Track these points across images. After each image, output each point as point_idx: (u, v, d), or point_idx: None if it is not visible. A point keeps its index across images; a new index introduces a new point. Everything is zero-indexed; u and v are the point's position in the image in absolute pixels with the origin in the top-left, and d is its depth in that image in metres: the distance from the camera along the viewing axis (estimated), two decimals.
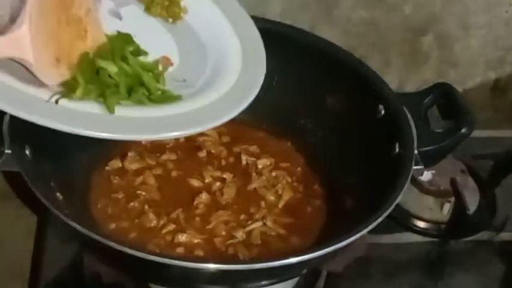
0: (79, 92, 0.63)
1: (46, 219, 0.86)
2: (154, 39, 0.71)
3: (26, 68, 0.61)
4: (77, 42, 0.64)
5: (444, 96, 0.85)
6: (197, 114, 0.66)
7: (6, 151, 0.70)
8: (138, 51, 0.68)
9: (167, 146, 0.88)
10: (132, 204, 0.81)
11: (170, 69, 0.70)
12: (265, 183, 0.85)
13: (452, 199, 0.92)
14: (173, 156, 0.87)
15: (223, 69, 0.73)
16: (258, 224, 0.80)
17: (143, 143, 0.88)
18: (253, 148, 0.89)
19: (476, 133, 0.82)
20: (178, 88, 0.68)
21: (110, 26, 0.69)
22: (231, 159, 0.88)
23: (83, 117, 0.62)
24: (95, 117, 0.62)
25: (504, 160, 0.99)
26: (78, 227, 0.66)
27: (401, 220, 0.93)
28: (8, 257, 0.86)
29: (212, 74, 0.72)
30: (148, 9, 0.74)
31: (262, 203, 0.83)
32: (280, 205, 0.83)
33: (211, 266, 0.66)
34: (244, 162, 0.87)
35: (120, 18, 0.71)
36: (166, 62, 0.71)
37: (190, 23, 0.74)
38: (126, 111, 0.64)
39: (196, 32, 0.75)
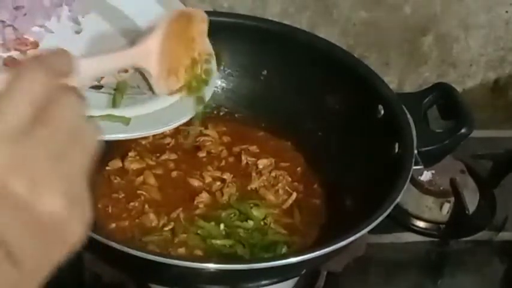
0: None
1: None
2: (112, 46, 0.72)
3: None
4: (186, 55, 0.71)
5: (444, 96, 0.85)
6: (144, 118, 0.67)
7: None
8: None
9: (167, 146, 0.88)
10: (132, 204, 0.81)
11: (125, 75, 0.72)
12: (265, 183, 0.85)
13: (452, 199, 0.92)
14: (173, 156, 0.87)
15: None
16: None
17: (143, 143, 0.88)
18: (253, 148, 0.89)
19: (476, 133, 0.82)
20: (131, 94, 0.70)
21: (67, 32, 0.71)
22: (231, 159, 0.88)
23: None
24: None
25: (504, 160, 0.99)
26: None
27: (401, 220, 0.93)
28: None
29: None
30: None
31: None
32: (285, 206, 0.84)
33: (211, 266, 0.66)
34: (244, 162, 0.87)
35: (79, 24, 0.72)
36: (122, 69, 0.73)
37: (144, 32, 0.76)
38: None
39: None
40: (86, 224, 0.43)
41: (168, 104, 0.70)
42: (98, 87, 0.69)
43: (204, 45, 0.72)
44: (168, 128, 0.69)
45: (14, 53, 0.67)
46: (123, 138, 0.66)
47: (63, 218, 0.41)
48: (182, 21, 0.69)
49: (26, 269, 0.40)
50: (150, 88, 0.71)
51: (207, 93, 0.72)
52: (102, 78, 0.69)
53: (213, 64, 0.74)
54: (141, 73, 0.70)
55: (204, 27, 0.71)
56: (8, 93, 0.40)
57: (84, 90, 0.65)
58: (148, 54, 0.66)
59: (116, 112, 0.66)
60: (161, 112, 0.69)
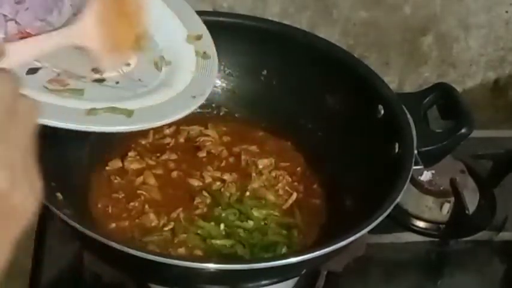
0: None
1: (46, 219, 0.86)
2: None
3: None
4: (129, 30, 0.71)
5: (444, 96, 0.85)
6: (146, 111, 0.68)
7: None
8: None
9: (167, 146, 0.88)
10: (132, 204, 0.81)
11: (127, 69, 0.72)
12: (265, 183, 0.85)
13: (452, 199, 0.92)
14: (173, 156, 0.87)
15: (178, 71, 0.75)
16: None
17: (143, 143, 0.88)
18: (253, 148, 0.89)
19: (476, 133, 0.82)
20: (133, 87, 0.70)
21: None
22: (231, 159, 0.88)
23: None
24: None
25: (504, 160, 0.99)
26: (78, 227, 0.66)
27: (401, 220, 0.93)
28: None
29: (167, 76, 0.74)
30: None
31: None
32: (285, 206, 0.84)
33: (211, 266, 0.66)
34: (244, 162, 0.87)
35: None
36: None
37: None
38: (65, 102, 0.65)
39: (152, 36, 0.76)
40: (35, 198, 0.44)
41: (171, 97, 0.71)
42: (100, 81, 0.70)
43: (145, 19, 0.73)
44: (170, 120, 0.69)
45: None
46: (126, 131, 0.66)
47: (7, 192, 0.42)
48: None
49: None
50: (154, 80, 0.71)
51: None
52: (103, 72, 0.69)
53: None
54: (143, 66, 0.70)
55: (141, 0, 0.72)
56: None
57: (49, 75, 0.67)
58: (85, 32, 0.65)
59: (118, 105, 0.66)
60: (164, 105, 0.69)
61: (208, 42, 0.78)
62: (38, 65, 0.67)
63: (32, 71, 0.67)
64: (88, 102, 0.65)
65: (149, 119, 0.67)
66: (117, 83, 0.70)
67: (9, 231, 0.43)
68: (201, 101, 0.72)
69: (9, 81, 0.44)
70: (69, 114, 0.63)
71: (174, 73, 0.75)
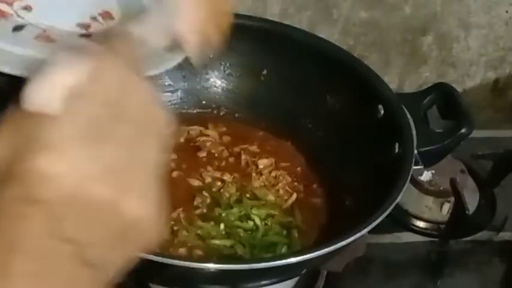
0: None
1: None
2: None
3: None
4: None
5: (444, 96, 0.85)
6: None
7: None
8: None
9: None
10: None
11: (111, 23, 0.71)
12: (265, 183, 0.85)
13: (452, 199, 0.92)
14: (173, 156, 0.87)
15: None
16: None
17: None
18: (253, 148, 0.89)
19: (476, 133, 0.82)
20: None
21: None
22: (231, 159, 0.88)
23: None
24: None
25: (503, 160, 0.99)
26: None
27: (401, 220, 0.93)
28: None
29: None
30: None
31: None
32: (285, 206, 0.84)
33: (211, 266, 0.66)
34: (244, 162, 0.87)
35: None
36: (107, 16, 0.72)
37: None
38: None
39: None
40: (161, 223, 0.43)
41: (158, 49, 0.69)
42: (87, 36, 0.69)
43: None
44: (159, 71, 0.67)
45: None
46: None
47: (140, 218, 0.41)
48: None
49: (97, 268, 0.40)
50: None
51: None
52: (88, 28, 0.67)
53: None
54: None
55: None
56: (86, 91, 0.39)
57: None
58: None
59: None
60: (151, 57, 0.68)
61: None
62: (22, 22, 0.66)
63: (18, 28, 0.66)
64: None
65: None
66: None
67: (128, 255, 0.42)
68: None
69: (150, 92, 0.41)
70: None
71: None
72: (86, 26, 0.67)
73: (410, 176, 0.76)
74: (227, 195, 0.83)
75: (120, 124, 0.40)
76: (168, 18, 0.55)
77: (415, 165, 0.77)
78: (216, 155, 0.88)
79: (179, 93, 0.93)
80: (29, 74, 0.42)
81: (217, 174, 0.85)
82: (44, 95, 0.40)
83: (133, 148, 0.41)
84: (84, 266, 0.39)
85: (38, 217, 0.38)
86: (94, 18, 0.68)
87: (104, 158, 0.39)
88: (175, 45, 0.57)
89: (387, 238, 0.91)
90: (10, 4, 0.68)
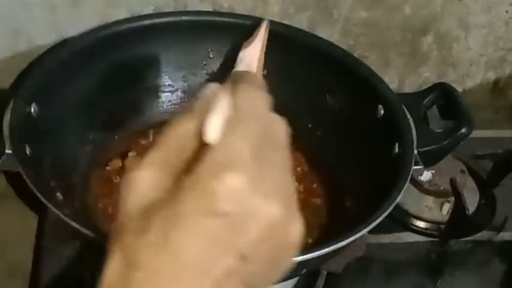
0: None
1: (46, 219, 0.86)
2: None
3: None
4: None
5: (444, 96, 0.85)
6: None
7: (6, 151, 0.70)
8: None
9: None
10: None
11: None
12: None
13: (452, 199, 0.92)
14: None
15: None
16: None
17: (143, 143, 0.88)
18: None
19: (476, 133, 0.82)
20: None
21: None
22: None
23: None
24: None
25: (504, 160, 0.99)
26: (78, 227, 0.66)
27: (401, 220, 0.93)
28: (8, 257, 0.87)
29: None
30: None
31: None
32: None
33: None
34: None
35: None
36: None
37: None
38: None
39: None
40: (301, 223, 0.44)
41: None
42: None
43: None
44: None
45: None
46: None
47: (299, 240, 0.43)
48: None
49: (256, 279, 0.41)
50: None
51: None
52: None
53: None
54: None
55: None
56: (241, 119, 0.43)
57: None
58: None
59: None
60: None
61: None
62: None
63: None
64: None
65: None
66: None
67: (283, 262, 0.43)
68: None
69: (265, 98, 0.47)
70: None
71: None
72: None
73: (410, 176, 0.76)
74: None
75: (267, 146, 0.44)
76: None
77: (415, 165, 0.77)
78: None
79: (179, 93, 0.93)
80: None
81: None
82: (215, 128, 0.44)
83: (284, 169, 0.47)
84: (240, 285, 0.40)
85: (220, 229, 0.39)
86: None
87: (271, 177, 0.43)
88: None
89: (387, 238, 0.91)
90: None
